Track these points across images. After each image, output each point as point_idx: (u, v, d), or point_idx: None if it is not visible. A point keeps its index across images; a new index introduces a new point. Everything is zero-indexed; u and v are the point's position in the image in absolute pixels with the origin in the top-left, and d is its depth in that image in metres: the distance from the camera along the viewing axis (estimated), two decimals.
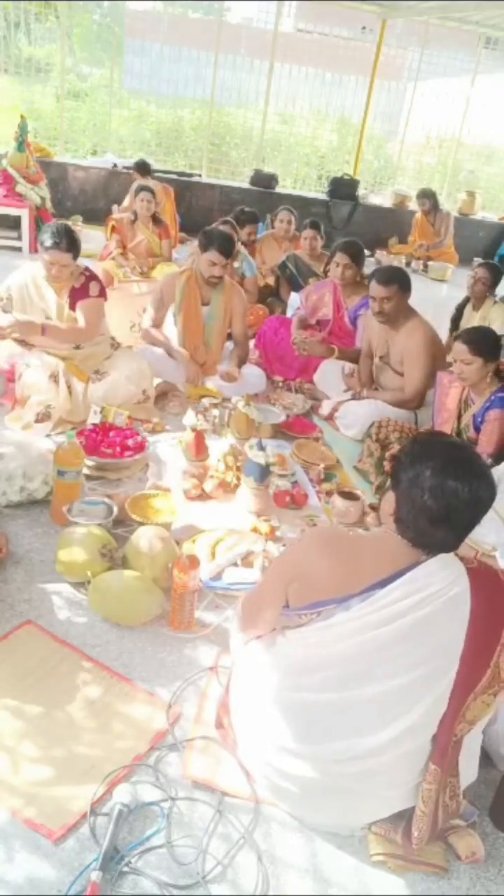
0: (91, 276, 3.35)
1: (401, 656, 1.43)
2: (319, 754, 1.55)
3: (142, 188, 5.84)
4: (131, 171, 7.17)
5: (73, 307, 3.31)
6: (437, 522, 1.40)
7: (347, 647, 1.46)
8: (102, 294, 3.39)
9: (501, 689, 1.48)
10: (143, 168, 6.89)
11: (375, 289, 3.53)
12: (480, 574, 1.46)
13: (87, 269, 3.36)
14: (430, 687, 1.44)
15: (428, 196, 8.41)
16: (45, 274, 3.24)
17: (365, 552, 1.53)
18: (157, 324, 3.90)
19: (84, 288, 3.30)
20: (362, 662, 1.45)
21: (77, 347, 3.37)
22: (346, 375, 3.98)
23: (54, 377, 3.22)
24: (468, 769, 1.61)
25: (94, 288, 3.33)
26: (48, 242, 3.09)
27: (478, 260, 8.32)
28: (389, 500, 1.54)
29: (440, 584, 1.42)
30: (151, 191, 5.84)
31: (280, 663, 1.62)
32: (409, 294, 3.60)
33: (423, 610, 1.41)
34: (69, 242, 3.13)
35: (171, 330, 3.95)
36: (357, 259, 4.06)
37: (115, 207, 7.09)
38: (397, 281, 3.52)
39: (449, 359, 3.48)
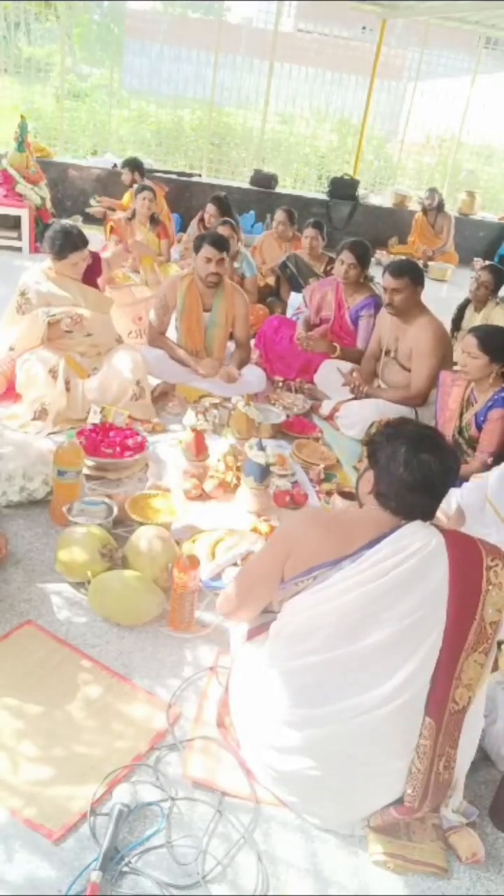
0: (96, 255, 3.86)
1: (392, 606, 1.56)
2: (326, 718, 1.58)
3: (142, 188, 5.85)
4: (122, 170, 7.02)
5: (89, 282, 3.66)
6: (415, 490, 1.61)
7: (343, 602, 1.58)
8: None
9: (490, 647, 1.58)
10: (135, 165, 6.79)
11: (387, 280, 3.55)
12: (451, 533, 1.66)
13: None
14: (423, 635, 1.56)
15: (436, 193, 8.55)
16: (60, 273, 3.48)
17: (352, 522, 1.70)
18: (163, 329, 3.91)
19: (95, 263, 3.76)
20: (357, 615, 1.57)
21: (88, 335, 3.45)
22: (345, 373, 3.97)
23: (53, 373, 3.24)
24: (466, 749, 1.65)
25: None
26: (82, 244, 3.45)
27: (478, 260, 8.38)
28: (367, 479, 1.71)
29: (420, 542, 1.58)
30: (153, 191, 5.84)
31: (280, 636, 1.70)
32: (421, 288, 3.61)
33: (407, 564, 1.56)
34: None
35: (171, 334, 3.95)
36: (362, 259, 4.05)
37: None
38: (408, 273, 3.53)
39: (455, 355, 3.48)
